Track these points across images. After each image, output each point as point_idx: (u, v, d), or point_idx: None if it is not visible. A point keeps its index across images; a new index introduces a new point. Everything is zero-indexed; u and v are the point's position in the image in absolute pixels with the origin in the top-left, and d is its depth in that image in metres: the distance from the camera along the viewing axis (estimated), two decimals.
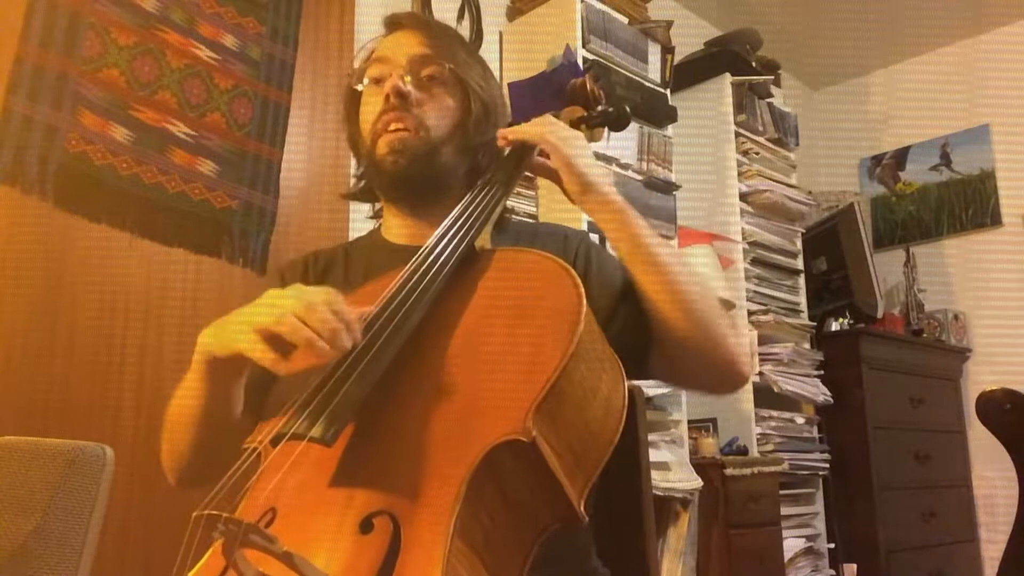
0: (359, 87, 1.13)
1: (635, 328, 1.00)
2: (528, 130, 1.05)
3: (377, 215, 1.21)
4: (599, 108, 1.17)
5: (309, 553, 0.63)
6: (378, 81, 1.10)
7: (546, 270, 0.86)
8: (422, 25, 1.15)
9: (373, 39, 1.18)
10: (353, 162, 1.26)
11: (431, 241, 0.92)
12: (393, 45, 1.12)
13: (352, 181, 1.27)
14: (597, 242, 1.18)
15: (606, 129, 1.18)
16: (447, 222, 0.95)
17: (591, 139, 1.17)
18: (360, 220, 2.31)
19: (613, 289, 1.05)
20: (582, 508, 0.76)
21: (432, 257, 0.88)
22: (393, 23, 1.16)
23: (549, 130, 1.04)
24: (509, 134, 1.07)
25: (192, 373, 0.88)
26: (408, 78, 1.07)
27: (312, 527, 0.70)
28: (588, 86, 1.17)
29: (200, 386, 0.88)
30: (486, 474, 0.70)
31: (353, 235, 1.89)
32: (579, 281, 0.82)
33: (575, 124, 1.15)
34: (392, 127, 1.06)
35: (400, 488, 0.71)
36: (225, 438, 0.92)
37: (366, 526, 0.69)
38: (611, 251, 1.09)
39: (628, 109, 1.14)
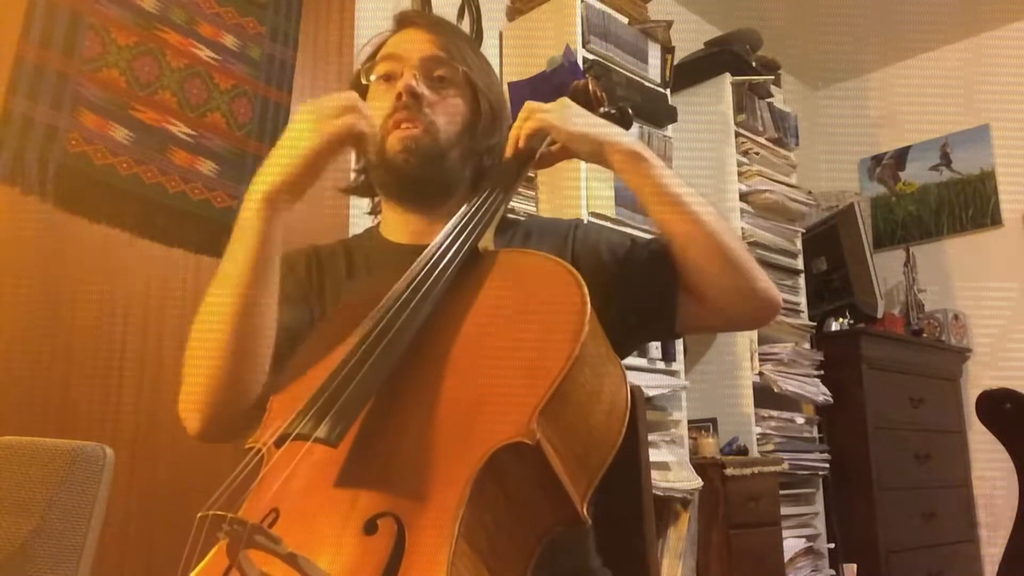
0: (367, 81, 1.13)
1: (662, 278, 1.02)
2: (526, 123, 1.05)
3: (375, 209, 1.21)
4: (602, 110, 1.17)
5: (313, 554, 0.63)
6: (388, 78, 1.10)
7: (550, 272, 0.86)
8: (433, 25, 1.16)
9: (379, 34, 1.18)
10: (352, 158, 1.26)
11: (435, 242, 0.92)
12: (404, 43, 1.12)
13: (352, 176, 1.27)
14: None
15: None
16: (451, 223, 0.95)
17: None
18: (360, 218, 2.30)
19: (626, 247, 1.08)
20: (585, 511, 0.76)
21: (436, 258, 0.88)
22: (403, 20, 1.16)
23: (540, 115, 1.04)
24: (522, 137, 1.06)
25: (244, 231, 0.91)
26: (420, 78, 1.08)
27: (316, 528, 0.70)
28: (591, 88, 1.17)
29: (255, 237, 0.90)
30: (490, 476, 0.70)
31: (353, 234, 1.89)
32: (583, 283, 0.82)
33: None
34: (403, 126, 1.06)
35: (404, 490, 0.71)
36: (262, 345, 0.91)
37: (370, 527, 0.68)
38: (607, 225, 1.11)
39: (631, 111, 1.14)
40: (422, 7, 2.76)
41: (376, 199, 1.26)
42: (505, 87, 2.79)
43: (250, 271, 0.90)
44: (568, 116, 1.03)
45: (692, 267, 1.00)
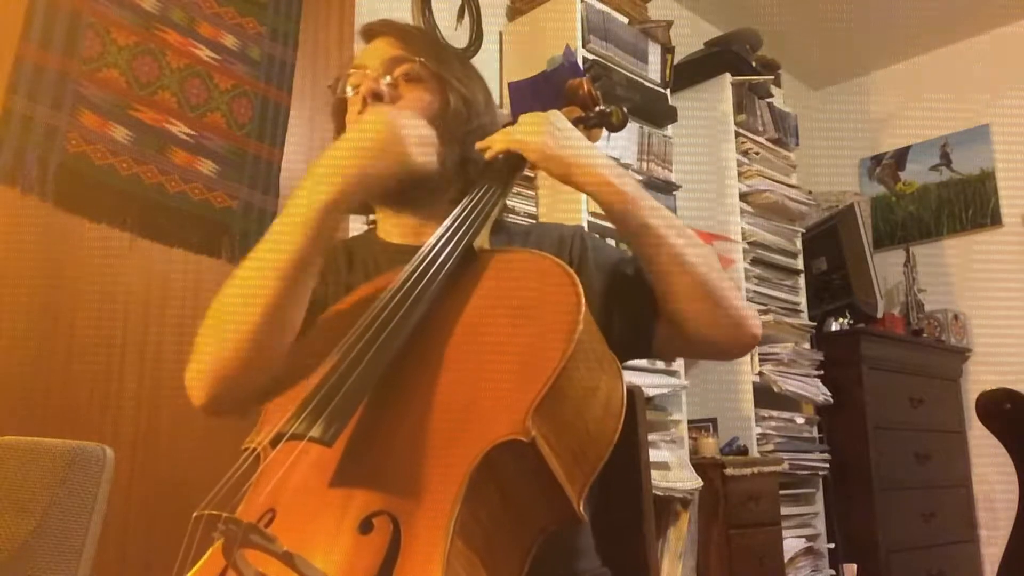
0: (344, 96, 1.16)
1: (639, 302, 1.02)
2: (498, 139, 1.05)
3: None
4: (596, 109, 1.17)
5: (309, 553, 0.63)
6: (357, 89, 1.12)
7: (545, 270, 0.86)
8: (396, 30, 1.17)
9: (355, 55, 1.20)
10: None
11: (431, 241, 0.92)
12: (368, 52, 1.15)
13: None
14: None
15: (604, 130, 1.19)
16: (446, 223, 0.95)
17: (589, 139, 1.18)
18: (360, 219, 2.31)
19: (611, 267, 1.07)
20: (580, 508, 0.76)
21: (431, 257, 0.88)
22: (368, 33, 1.18)
23: (514, 133, 1.04)
24: (492, 152, 1.06)
25: (289, 230, 0.88)
26: (385, 79, 1.09)
27: (312, 527, 0.70)
28: (585, 87, 1.17)
29: (301, 240, 0.87)
30: (486, 474, 0.70)
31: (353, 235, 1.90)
32: (578, 281, 0.82)
33: (573, 125, 1.16)
34: None
35: (400, 488, 0.71)
36: (287, 336, 0.90)
37: (366, 526, 0.69)
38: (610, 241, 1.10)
39: (625, 110, 1.14)
40: (422, 9, 2.76)
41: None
42: (505, 87, 2.79)
43: (295, 265, 0.88)
44: (543, 135, 1.01)
45: (667, 295, 0.99)
